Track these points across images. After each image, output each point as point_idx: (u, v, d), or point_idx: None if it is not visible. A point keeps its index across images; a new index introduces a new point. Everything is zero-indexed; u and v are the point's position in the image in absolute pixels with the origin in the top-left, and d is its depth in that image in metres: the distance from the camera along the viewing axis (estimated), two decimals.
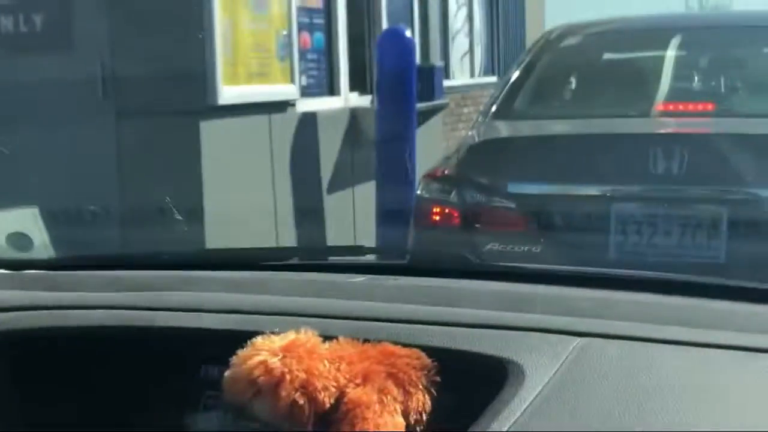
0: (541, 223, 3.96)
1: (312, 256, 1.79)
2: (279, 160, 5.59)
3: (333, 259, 1.85)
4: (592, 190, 3.89)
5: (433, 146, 7.16)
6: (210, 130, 4.93)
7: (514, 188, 3.97)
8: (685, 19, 5.66)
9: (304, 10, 6.07)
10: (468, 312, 1.32)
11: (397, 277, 1.57)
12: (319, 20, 6.30)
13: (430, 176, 4.22)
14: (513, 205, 3.95)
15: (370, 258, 1.82)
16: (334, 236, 6.01)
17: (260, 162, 5.45)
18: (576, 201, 3.90)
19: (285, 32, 5.66)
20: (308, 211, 5.86)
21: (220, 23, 4.96)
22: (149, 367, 1.36)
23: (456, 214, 4.06)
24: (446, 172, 4.16)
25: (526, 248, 3.90)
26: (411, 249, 2.03)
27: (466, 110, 10.60)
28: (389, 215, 5.63)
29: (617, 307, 1.40)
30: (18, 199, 4.08)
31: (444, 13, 10.40)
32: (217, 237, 4.78)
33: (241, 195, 5.21)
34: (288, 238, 5.60)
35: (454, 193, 4.06)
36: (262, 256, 1.84)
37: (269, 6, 5.51)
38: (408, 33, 6.29)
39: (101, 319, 1.37)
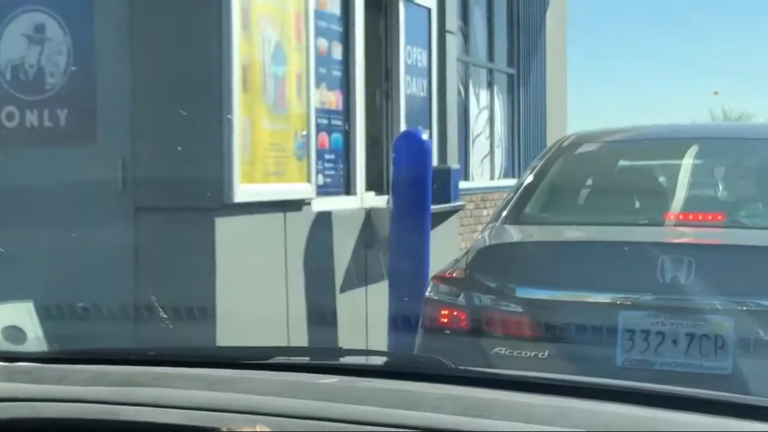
0: (549, 328, 3.96)
1: (290, 356, 1.82)
2: (293, 257, 5.64)
3: (311, 360, 1.88)
4: (601, 297, 3.90)
5: (448, 249, 7.20)
6: (225, 227, 5.00)
7: (522, 293, 3.99)
8: (700, 130, 5.73)
9: (323, 111, 6.18)
10: (424, 416, 1.35)
11: (370, 379, 1.60)
12: (338, 121, 6.41)
13: (439, 278, 4.25)
14: (521, 310, 3.96)
15: (348, 359, 1.85)
16: (346, 336, 6.02)
17: (274, 259, 5.50)
18: (584, 308, 3.91)
19: (303, 132, 5.76)
20: (321, 310, 5.88)
21: (238, 122, 5.06)
22: None
23: (463, 317, 4.08)
24: (455, 274, 4.19)
25: (532, 354, 3.90)
26: (387, 352, 2.05)
27: (485, 212, 10.66)
28: (401, 316, 5.64)
29: (571, 415, 1.42)
30: (31, 292, 4.14)
31: (465, 116, 10.55)
32: (228, 335, 4.81)
33: (254, 292, 5.26)
34: (300, 336, 5.61)
35: (462, 295, 4.08)
36: (243, 354, 1.88)
37: (288, 106, 5.62)
38: (425, 135, 6.38)
39: (73, 412, 1.42)
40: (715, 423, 1.43)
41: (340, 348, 2.23)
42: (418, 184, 5.98)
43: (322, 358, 1.97)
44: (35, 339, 2.16)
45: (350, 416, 1.36)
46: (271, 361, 1.73)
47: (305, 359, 1.87)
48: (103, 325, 4.36)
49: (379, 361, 1.76)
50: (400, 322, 5.59)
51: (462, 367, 1.64)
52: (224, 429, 1.27)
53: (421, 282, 5.65)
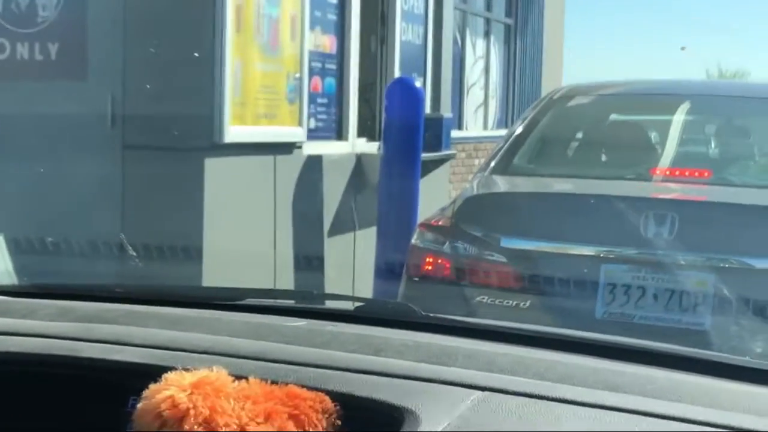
0: (531, 279, 3.98)
1: (262, 298, 1.83)
2: (282, 200, 5.65)
3: (281, 302, 1.90)
4: (584, 250, 3.92)
5: (439, 197, 7.21)
6: (214, 167, 5.00)
7: (507, 243, 4.00)
8: (693, 87, 5.71)
9: (317, 55, 6.15)
10: (385, 361, 1.38)
11: (338, 323, 1.62)
12: (332, 65, 6.38)
13: (425, 226, 4.26)
14: (505, 260, 3.98)
15: (319, 303, 1.87)
16: (333, 280, 6.05)
17: (263, 201, 5.51)
18: (567, 259, 3.93)
19: (296, 75, 5.75)
20: (308, 254, 5.91)
21: (230, 63, 5.04)
22: (79, 396, 1.42)
23: (448, 265, 4.10)
24: (441, 222, 4.20)
25: (514, 303, 3.93)
26: (359, 297, 2.07)
27: (477, 162, 10.66)
28: (387, 262, 5.67)
29: (532, 365, 1.44)
30: (16, 224, 4.15)
31: (460, 65, 10.50)
32: (213, 275, 4.83)
33: (242, 233, 5.27)
34: (286, 279, 5.64)
35: (447, 244, 4.10)
36: (213, 294, 1.89)
37: (281, 49, 5.59)
38: (418, 83, 6.36)
39: (35, 347, 1.44)
40: (683, 379, 1.44)
41: (312, 291, 2.26)
42: (409, 132, 5.98)
43: (294, 301, 1.99)
44: (4, 272, 2.16)
45: (310, 360, 1.38)
46: (241, 302, 1.74)
47: (276, 301, 1.89)
48: (85, 261, 4.37)
49: (348, 305, 1.78)
50: (387, 268, 5.61)
51: (431, 314, 1.66)
52: (180, 368, 1.29)
53: (409, 229, 5.67)
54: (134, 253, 4.00)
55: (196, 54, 4.87)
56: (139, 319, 1.57)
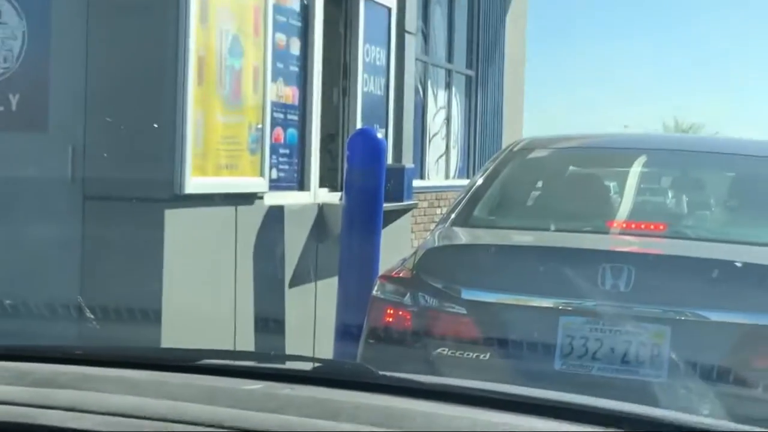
0: (492, 331, 4.01)
1: (218, 359, 1.83)
2: (243, 251, 5.65)
3: (240, 363, 1.90)
4: (543, 302, 3.95)
5: (400, 247, 7.24)
6: (175, 219, 5.00)
7: (467, 295, 4.03)
8: (649, 141, 5.82)
9: (279, 105, 6.19)
10: (338, 426, 1.38)
11: (295, 385, 1.62)
12: (294, 116, 6.42)
13: (386, 278, 4.29)
14: (465, 312, 4.01)
15: (276, 364, 1.87)
16: (294, 332, 6.04)
17: (224, 253, 5.50)
18: (526, 311, 3.96)
19: (258, 126, 5.77)
20: (269, 308, 5.90)
21: (192, 115, 5.06)
22: None
23: (408, 317, 4.12)
24: (402, 274, 4.23)
25: (475, 355, 3.95)
26: (316, 358, 2.07)
27: (439, 211, 10.72)
28: (349, 314, 5.67)
29: (487, 428, 1.44)
30: None
31: (422, 115, 10.60)
32: (173, 331, 4.81)
33: (202, 287, 5.26)
34: (247, 333, 5.63)
35: (408, 295, 4.12)
36: (169, 356, 1.88)
37: (244, 99, 5.62)
38: (380, 134, 6.40)
39: None
40: None
41: (270, 353, 2.25)
42: (371, 182, 6.01)
43: (253, 362, 1.98)
44: None
45: (264, 426, 1.38)
46: (199, 363, 1.74)
47: (234, 363, 1.88)
48: (43, 322, 4.34)
49: (307, 366, 1.78)
50: (348, 320, 5.61)
51: (389, 375, 1.66)
52: None
53: (370, 280, 5.68)
54: (92, 315, 3.98)
55: (155, 125, 4.88)
56: (97, 382, 1.57)
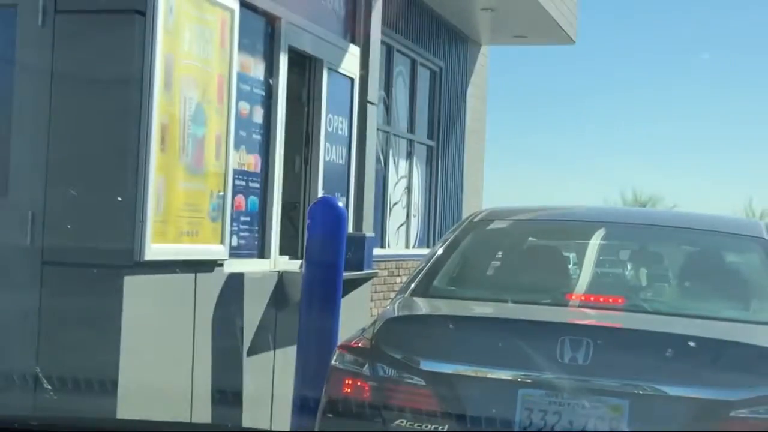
0: (451, 402, 4.00)
1: (176, 431, 1.81)
2: (202, 319, 5.62)
3: None
4: (502, 374, 3.96)
5: (360, 316, 7.23)
6: (134, 285, 4.97)
7: (426, 366, 4.03)
8: (608, 214, 5.90)
9: (240, 173, 6.21)
10: None
11: None
12: (255, 184, 6.44)
13: (345, 347, 4.28)
14: (424, 383, 4.00)
15: None
16: (251, 402, 5.99)
17: (183, 320, 5.47)
18: (485, 383, 3.97)
19: (220, 193, 5.78)
20: (227, 377, 5.85)
21: (154, 181, 5.06)
22: None
23: (367, 388, 4.10)
24: (361, 344, 4.22)
25: (433, 427, 3.94)
26: (273, 431, 2.03)
27: (399, 280, 10.74)
28: (307, 383, 5.64)
29: None
30: None
31: (383, 184, 10.67)
32: (130, 403, 4.76)
33: (160, 355, 5.21)
34: (204, 402, 5.57)
35: (367, 366, 4.11)
36: (127, 427, 1.87)
37: (206, 167, 5.64)
38: (341, 203, 6.43)
39: None
40: None
41: (227, 425, 2.21)
42: (331, 251, 6.02)
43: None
44: None
45: None
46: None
47: None
48: None
49: None
50: (307, 391, 5.57)
51: None
52: None
53: (330, 349, 5.66)
54: (48, 385, 3.93)
55: (119, 198, 4.88)
56: None
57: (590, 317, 4.25)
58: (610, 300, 4.40)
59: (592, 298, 4.43)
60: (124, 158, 4.99)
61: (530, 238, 5.31)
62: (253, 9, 6.32)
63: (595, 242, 4.95)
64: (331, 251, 6.01)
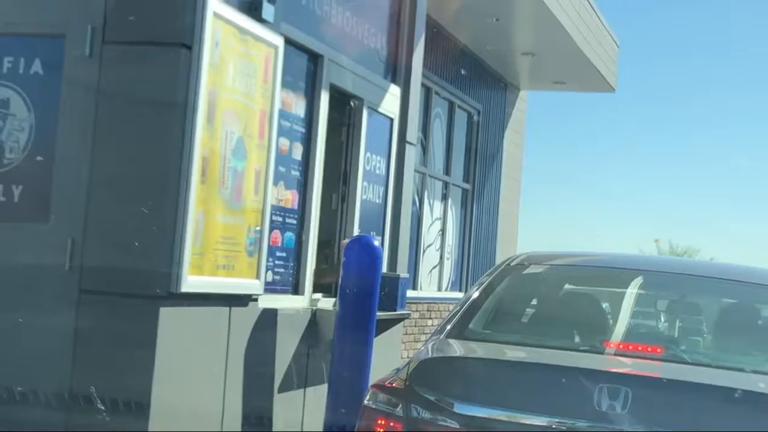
0: None
1: None
2: (234, 352, 5.61)
3: None
4: (536, 420, 3.91)
5: (391, 357, 7.20)
6: (169, 316, 4.97)
7: (460, 409, 3.99)
8: (646, 262, 5.85)
9: (278, 209, 6.23)
10: None
11: None
12: (292, 220, 6.45)
13: (378, 387, 4.24)
14: (457, 426, 3.96)
15: None
16: None
17: (216, 353, 5.46)
18: (520, 429, 3.92)
19: (257, 228, 5.79)
20: (257, 411, 5.83)
21: (193, 213, 5.08)
22: None
23: (400, 428, 4.07)
24: (395, 384, 4.19)
25: None
26: None
27: (430, 322, 10.70)
28: (338, 421, 5.61)
29: None
30: None
31: (417, 225, 10.65)
32: (161, 427, 4.75)
33: (192, 386, 5.21)
34: None
35: (400, 406, 4.08)
36: None
37: (244, 201, 5.66)
38: (376, 242, 6.43)
39: None
40: None
41: None
42: (365, 290, 6.01)
43: None
44: None
45: None
46: None
47: None
48: (33, 410, 4.29)
49: None
50: (337, 428, 5.55)
51: None
52: None
53: (361, 388, 5.64)
54: (82, 406, 3.93)
55: (156, 222, 4.90)
56: None
57: (628, 366, 4.20)
58: (649, 349, 4.34)
59: (630, 347, 4.37)
60: (164, 190, 5.01)
61: (567, 284, 5.27)
62: (297, 46, 6.37)
63: (632, 290, 4.90)
64: (366, 290, 6.00)
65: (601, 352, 4.35)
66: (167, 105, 5.06)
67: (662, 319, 5.17)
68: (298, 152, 6.49)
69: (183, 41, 5.05)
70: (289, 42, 6.11)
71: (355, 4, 7.27)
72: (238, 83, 5.53)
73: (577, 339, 4.52)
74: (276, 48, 5.89)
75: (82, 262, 5.00)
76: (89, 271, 4.98)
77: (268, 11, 5.73)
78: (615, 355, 4.33)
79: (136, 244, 4.96)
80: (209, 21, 5.13)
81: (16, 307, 5.02)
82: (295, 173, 6.48)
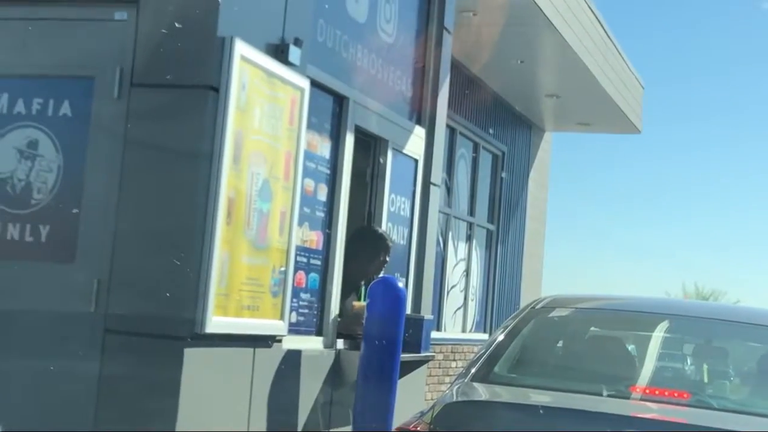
0: None
1: None
2: (258, 394, 5.60)
3: None
4: None
5: (414, 399, 7.17)
6: (193, 357, 4.97)
7: None
8: (672, 306, 5.82)
9: (303, 250, 6.24)
10: None
11: None
12: (317, 261, 6.46)
13: (403, 431, 4.22)
14: None
15: None
16: None
17: (239, 394, 5.45)
18: None
19: (281, 269, 5.80)
20: None
21: (218, 254, 5.09)
22: None
23: None
24: (419, 428, 4.17)
25: None
26: None
27: (454, 364, 10.66)
28: None
29: None
30: None
31: (441, 266, 10.64)
32: None
33: (215, 426, 5.19)
34: None
35: None
36: None
37: (269, 242, 5.67)
38: (401, 283, 6.42)
39: None
40: None
41: None
42: (390, 332, 6.00)
43: None
44: None
45: None
46: None
47: None
48: None
49: None
50: None
51: None
52: None
53: (385, 429, 5.62)
54: None
55: (181, 263, 4.92)
56: None
57: (655, 411, 4.16)
58: (675, 394, 4.31)
59: (656, 392, 4.34)
60: (190, 230, 5.03)
61: (593, 328, 5.25)
62: (323, 88, 6.41)
63: (658, 334, 4.87)
64: (390, 331, 5.99)
65: (627, 397, 4.32)
66: (194, 146, 5.09)
67: (689, 364, 5.13)
68: (323, 193, 6.51)
69: (210, 84, 5.10)
70: (314, 84, 6.15)
71: (381, 47, 7.32)
72: (265, 125, 5.56)
73: (602, 383, 4.49)
74: (302, 90, 5.93)
75: (107, 302, 5.02)
76: (114, 312, 5.00)
77: (294, 54, 5.78)
78: (641, 400, 4.30)
79: (162, 284, 4.97)
80: (236, 64, 5.18)
81: (41, 347, 5.04)
82: (320, 214, 6.50)
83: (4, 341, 5.09)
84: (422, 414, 4.35)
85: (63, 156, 5.21)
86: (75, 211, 5.13)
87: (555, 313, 5.20)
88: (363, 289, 6.90)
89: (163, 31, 5.12)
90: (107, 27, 5.24)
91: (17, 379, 5.01)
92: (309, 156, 6.24)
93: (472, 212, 11.68)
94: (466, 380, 4.56)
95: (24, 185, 5.23)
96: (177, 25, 5.10)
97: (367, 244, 6.88)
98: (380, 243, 6.94)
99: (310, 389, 6.17)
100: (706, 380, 4.88)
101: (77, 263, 5.12)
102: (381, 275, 6.88)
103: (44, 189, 5.21)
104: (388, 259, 6.97)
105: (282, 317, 5.82)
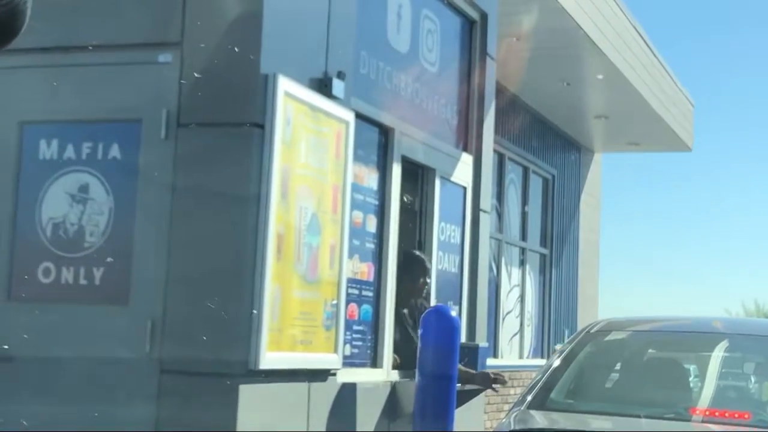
0: None
1: None
2: (315, 427, 5.59)
3: None
4: None
5: (473, 428, 7.11)
6: (249, 394, 4.98)
7: None
8: (730, 325, 5.72)
9: (354, 282, 6.23)
10: None
11: None
12: (368, 293, 6.45)
13: None
14: None
15: None
16: None
17: (296, 429, 5.44)
18: None
19: (333, 302, 5.80)
20: None
21: (270, 290, 5.11)
22: None
23: None
24: None
25: None
26: None
27: (512, 391, 10.56)
28: None
29: None
30: None
31: (496, 293, 10.58)
32: None
33: None
34: None
35: None
36: None
37: (320, 276, 5.68)
38: (454, 312, 6.39)
39: None
40: None
41: None
42: (445, 361, 5.96)
43: None
44: None
45: None
46: None
47: None
48: None
49: None
50: None
51: None
52: None
53: None
54: None
55: (234, 300, 4.93)
56: None
57: None
58: (736, 415, 4.23)
59: (716, 413, 4.27)
60: (241, 267, 5.06)
61: (650, 350, 5.18)
62: (368, 120, 6.43)
63: (717, 354, 4.80)
64: (445, 361, 5.96)
65: (688, 420, 4.25)
66: (242, 183, 5.12)
67: (749, 384, 5.04)
68: (372, 224, 6.51)
69: (255, 121, 5.13)
70: (359, 116, 6.17)
71: (424, 76, 7.33)
72: (311, 159, 5.58)
73: (662, 406, 4.42)
74: (347, 123, 5.95)
75: (162, 343, 5.05)
76: (169, 353, 5.03)
77: (338, 88, 5.80)
78: (702, 422, 4.23)
79: (215, 322, 4.99)
80: (280, 100, 5.21)
81: (97, 390, 5.07)
82: (370, 245, 6.49)
83: (61, 385, 5.14)
84: None
85: (114, 198, 5.27)
86: (127, 253, 5.19)
87: (611, 337, 5.15)
88: (406, 314, 6.87)
89: (207, 71, 5.17)
90: (152, 70, 5.31)
91: (75, 424, 5.05)
92: (356, 188, 6.25)
93: (524, 237, 11.62)
94: (522, 407, 4.52)
95: (76, 229, 5.30)
96: (220, 64, 5.15)
97: (405, 268, 6.85)
98: (417, 266, 6.91)
99: (366, 422, 6.14)
100: (766, 400, 4.78)
101: (131, 305, 5.16)
102: (432, 304, 6.86)
103: (96, 232, 5.27)
104: (429, 281, 6.94)
105: (336, 350, 5.81)
